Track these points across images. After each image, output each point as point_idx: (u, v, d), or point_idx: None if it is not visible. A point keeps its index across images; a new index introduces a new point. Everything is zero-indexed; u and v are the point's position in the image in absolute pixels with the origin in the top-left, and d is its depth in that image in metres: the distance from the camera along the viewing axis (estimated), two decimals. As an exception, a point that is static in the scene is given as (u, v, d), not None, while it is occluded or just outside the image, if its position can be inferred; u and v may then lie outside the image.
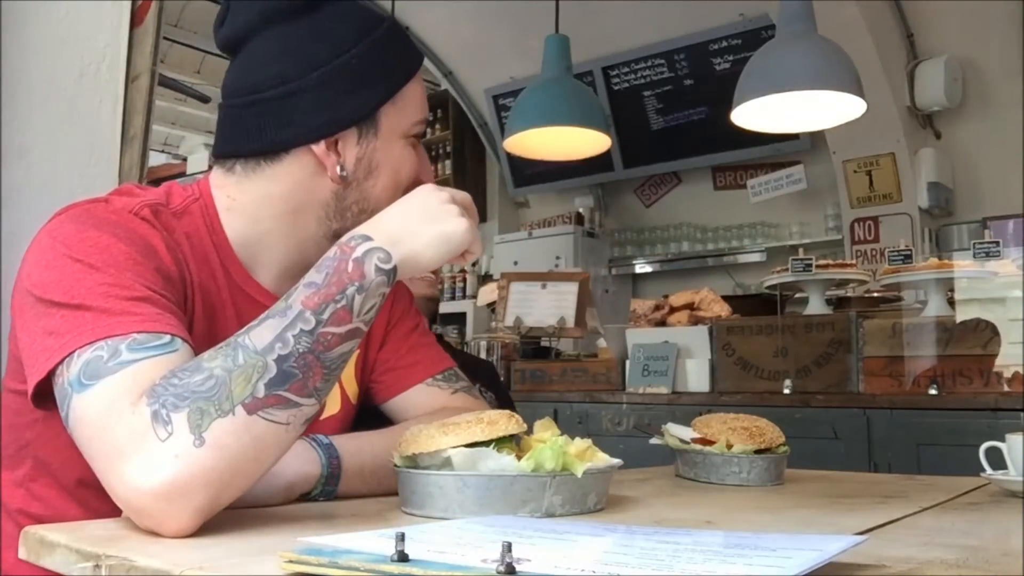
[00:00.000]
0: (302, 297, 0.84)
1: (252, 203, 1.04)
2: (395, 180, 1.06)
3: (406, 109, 1.06)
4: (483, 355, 3.66)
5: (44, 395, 0.85)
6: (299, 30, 1.02)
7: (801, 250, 4.15)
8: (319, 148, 1.01)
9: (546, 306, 3.57)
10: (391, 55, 1.06)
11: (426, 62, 5.75)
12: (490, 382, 2.12)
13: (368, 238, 0.90)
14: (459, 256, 0.97)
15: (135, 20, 1.81)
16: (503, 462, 0.87)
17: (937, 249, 4.37)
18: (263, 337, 0.81)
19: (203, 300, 1.00)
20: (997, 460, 1.20)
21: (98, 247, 0.88)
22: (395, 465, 0.93)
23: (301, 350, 0.81)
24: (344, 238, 0.91)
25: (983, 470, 1.20)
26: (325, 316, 0.83)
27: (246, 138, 1.03)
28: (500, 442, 0.89)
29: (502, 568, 0.55)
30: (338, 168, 1.02)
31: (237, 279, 1.03)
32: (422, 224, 0.93)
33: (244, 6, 1.04)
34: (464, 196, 0.99)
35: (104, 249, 0.88)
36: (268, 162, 1.03)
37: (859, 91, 2.57)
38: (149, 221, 0.96)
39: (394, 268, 0.89)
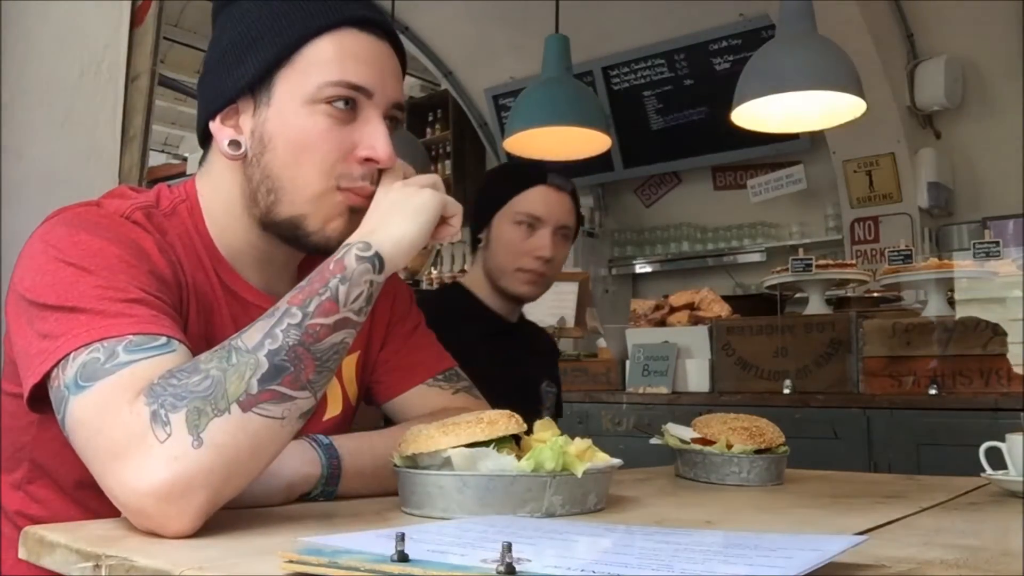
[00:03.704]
0: (288, 298, 0.85)
1: (211, 196, 1.04)
2: (298, 154, 0.97)
3: (308, 71, 0.96)
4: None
5: (40, 398, 0.85)
6: (224, 16, 1.03)
7: (801, 250, 4.14)
8: (215, 124, 1.00)
9: (546, 306, 3.56)
10: (285, 14, 0.98)
11: (426, 62, 5.77)
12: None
13: (348, 243, 0.91)
14: (443, 224, 0.97)
15: (135, 20, 1.81)
16: (503, 462, 0.88)
17: (937, 249, 4.37)
18: (253, 337, 0.82)
19: (197, 301, 0.99)
20: (997, 460, 1.20)
21: (91, 251, 0.88)
22: (395, 465, 0.93)
23: (291, 343, 0.82)
24: None
25: (983, 470, 1.20)
26: (311, 308, 0.84)
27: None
28: (500, 442, 0.90)
29: (502, 568, 0.55)
30: (227, 142, 0.99)
31: (226, 279, 1.03)
32: (391, 209, 0.94)
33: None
34: (428, 176, 0.99)
35: (97, 252, 0.88)
36: (208, 151, 1.05)
37: (859, 91, 2.57)
38: (141, 224, 0.96)
39: (376, 255, 0.89)
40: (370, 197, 0.98)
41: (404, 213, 0.94)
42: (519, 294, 1.83)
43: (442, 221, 0.98)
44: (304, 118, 0.97)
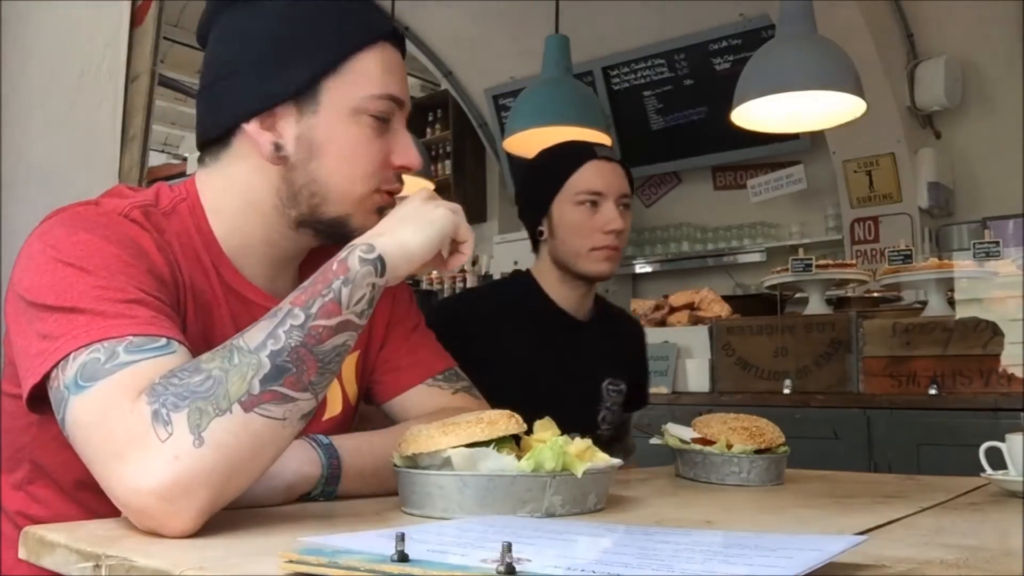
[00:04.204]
0: (291, 298, 0.85)
1: (223, 195, 1.04)
2: (346, 162, 1.01)
3: (356, 82, 1.00)
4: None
5: (40, 399, 0.85)
6: (244, 13, 1.02)
7: (801, 250, 4.14)
8: (251, 126, 1.00)
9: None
10: (335, 23, 1.00)
11: (426, 62, 5.77)
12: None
13: (352, 245, 0.91)
14: (454, 250, 0.98)
15: (135, 20, 1.81)
16: (503, 462, 0.88)
17: (937, 249, 4.37)
18: (256, 337, 0.82)
19: (195, 301, 0.99)
20: (997, 460, 1.20)
21: (89, 250, 0.88)
22: (395, 465, 0.93)
23: (293, 344, 0.82)
24: None
25: (983, 470, 1.20)
26: (314, 310, 0.84)
27: (202, 128, 1.05)
28: (500, 442, 0.90)
29: (502, 568, 0.55)
30: (271, 147, 0.99)
31: (228, 278, 1.03)
32: (403, 218, 0.95)
33: (209, 2, 1.06)
34: (451, 203, 1.00)
35: (95, 252, 0.88)
36: (223, 150, 1.04)
37: (859, 91, 2.57)
38: (139, 223, 0.96)
39: (379, 257, 0.89)
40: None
41: (415, 223, 0.94)
42: (598, 273, 1.80)
43: (454, 248, 0.99)
44: (350, 127, 1.00)
